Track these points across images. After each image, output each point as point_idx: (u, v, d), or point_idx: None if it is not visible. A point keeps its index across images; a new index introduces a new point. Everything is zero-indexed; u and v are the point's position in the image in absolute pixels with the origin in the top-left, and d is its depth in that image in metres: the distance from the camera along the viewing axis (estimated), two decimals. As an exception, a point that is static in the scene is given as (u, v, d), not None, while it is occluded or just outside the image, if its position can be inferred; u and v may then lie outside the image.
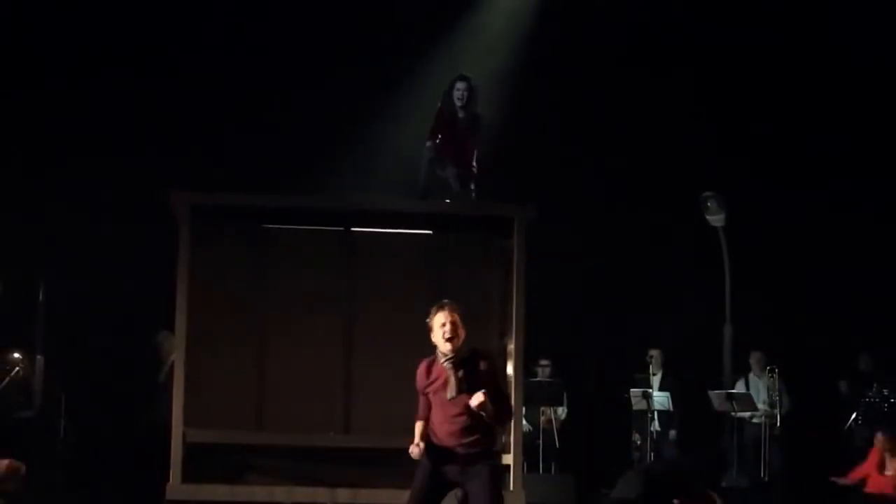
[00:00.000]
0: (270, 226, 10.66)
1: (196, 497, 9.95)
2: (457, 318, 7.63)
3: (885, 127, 15.28)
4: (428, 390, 7.71)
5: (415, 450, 7.66)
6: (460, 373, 7.57)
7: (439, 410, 7.67)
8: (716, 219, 14.27)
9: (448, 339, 7.59)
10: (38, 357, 12.94)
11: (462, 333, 7.64)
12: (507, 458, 10.13)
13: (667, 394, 14.12)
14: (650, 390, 13.97)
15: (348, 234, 10.70)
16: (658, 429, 14.05)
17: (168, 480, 9.91)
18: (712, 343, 14.25)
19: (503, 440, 10.16)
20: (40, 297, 13.08)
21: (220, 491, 9.98)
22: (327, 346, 10.33)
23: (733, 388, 14.10)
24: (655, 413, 13.98)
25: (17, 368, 13.01)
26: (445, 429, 7.64)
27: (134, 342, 13.34)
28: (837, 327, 14.81)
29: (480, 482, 7.61)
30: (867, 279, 14.98)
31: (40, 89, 14.20)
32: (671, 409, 14.16)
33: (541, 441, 13.88)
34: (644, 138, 15.26)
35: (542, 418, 14.04)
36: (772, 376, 14.20)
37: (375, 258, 10.54)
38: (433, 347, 7.72)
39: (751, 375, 14.52)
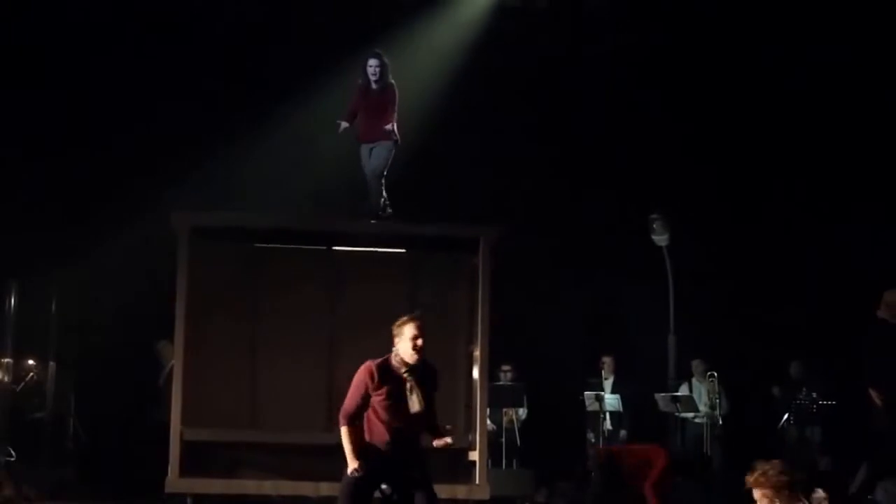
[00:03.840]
0: (261, 244, 10.82)
1: (192, 490, 10.10)
2: (424, 333, 7.31)
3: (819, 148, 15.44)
4: (379, 394, 7.23)
5: (358, 470, 7.17)
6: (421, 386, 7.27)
7: (390, 416, 7.23)
8: (661, 238, 14.23)
9: (417, 352, 7.27)
10: (51, 363, 12.97)
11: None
12: (473, 455, 10.34)
13: (618, 396, 14.11)
14: (603, 393, 13.99)
15: (330, 252, 10.89)
16: (610, 428, 13.94)
17: (167, 475, 10.03)
18: (658, 351, 14.32)
19: (470, 438, 10.39)
20: (53, 309, 13.16)
21: (214, 485, 10.13)
22: (312, 352, 10.50)
23: (677, 392, 14.06)
24: (607, 414, 13.92)
25: (32, 373, 13.07)
26: (396, 436, 7.23)
27: (137, 349, 13.38)
28: (771, 338, 14.88)
29: (425, 488, 7.26)
30: (798, 294, 15.10)
31: (45, 99, 13.96)
32: (622, 410, 14.17)
33: (503, 439, 13.77)
34: (600, 162, 15.36)
35: (505, 419, 13.91)
36: (712, 381, 14.25)
37: (355, 274, 10.70)
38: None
39: (693, 380, 14.49)
